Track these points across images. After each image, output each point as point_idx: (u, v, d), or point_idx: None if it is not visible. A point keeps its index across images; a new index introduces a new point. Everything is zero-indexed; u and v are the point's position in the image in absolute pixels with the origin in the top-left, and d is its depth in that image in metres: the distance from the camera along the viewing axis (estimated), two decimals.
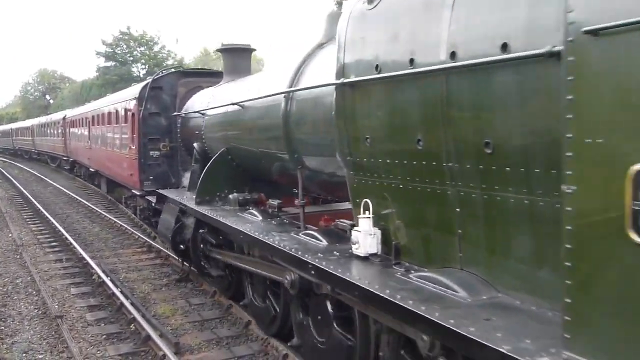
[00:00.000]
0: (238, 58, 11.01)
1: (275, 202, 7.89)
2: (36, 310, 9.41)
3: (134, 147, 14.37)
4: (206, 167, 9.30)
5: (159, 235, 11.81)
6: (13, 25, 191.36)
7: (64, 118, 31.66)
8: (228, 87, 10.13)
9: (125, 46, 66.43)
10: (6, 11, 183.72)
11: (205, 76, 13.84)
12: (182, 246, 9.97)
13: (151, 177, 13.71)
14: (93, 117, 22.35)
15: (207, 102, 10.31)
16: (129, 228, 16.03)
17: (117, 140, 17.26)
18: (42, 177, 32.70)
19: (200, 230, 9.26)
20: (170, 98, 13.51)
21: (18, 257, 13.24)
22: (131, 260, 12.76)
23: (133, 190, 15.43)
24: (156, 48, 67.73)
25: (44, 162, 43.61)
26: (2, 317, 9.04)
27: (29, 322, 8.88)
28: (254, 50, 11.40)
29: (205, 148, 10.33)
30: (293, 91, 6.82)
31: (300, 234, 6.36)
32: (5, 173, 36.09)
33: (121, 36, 66.04)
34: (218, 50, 10.79)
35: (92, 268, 11.43)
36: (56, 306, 9.45)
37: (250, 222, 7.46)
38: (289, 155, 6.97)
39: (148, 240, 14.32)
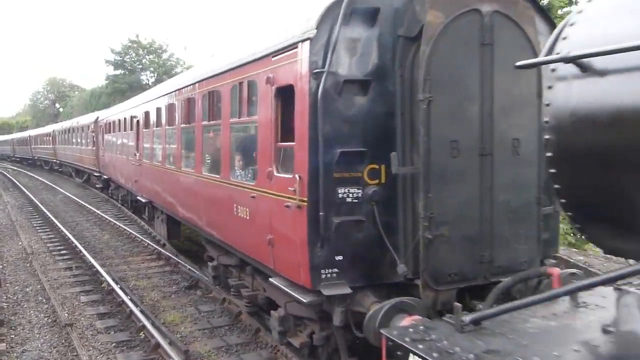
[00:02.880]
0: None
1: None
2: (46, 319, 9.42)
3: (291, 176, 6.17)
4: None
5: None
6: (23, 34, 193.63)
7: (95, 121, 26.11)
8: None
9: (134, 54, 66.84)
10: (16, 21, 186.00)
11: None
12: None
13: (339, 257, 5.89)
14: (146, 114, 14.89)
15: None
16: (139, 235, 16.05)
17: (217, 154, 8.99)
18: (52, 185, 32.86)
19: None
20: (397, 44, 5.97)
21: (28, 265, 13.27)
22: (141, 268, 12.77)
23: (289, 290, 6.36)
24: (165, 56, 68.11)
25: (67, 174, 38.25)
26: (13, 326, 9.06)
27: (39, 331, 8.88)
28: None
29: None
30: None
31: None
32: (15, 181, 36.31)
33: (130, 44, 66.46)
34: None
35: (102, 276, 11.44)
36: (66, 314, 9.46)
37: None
38: None
39: (157, 247, 14.33)
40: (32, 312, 9.80)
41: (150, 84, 60.90)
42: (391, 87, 5.96)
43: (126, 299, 9.81)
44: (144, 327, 8.49)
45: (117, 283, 10.90)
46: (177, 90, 11.60)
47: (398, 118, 5.96)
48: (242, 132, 8.47)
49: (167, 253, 13.50)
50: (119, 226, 17.86)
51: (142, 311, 9.22)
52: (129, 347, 8.16)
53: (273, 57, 6.69)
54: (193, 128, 10.31)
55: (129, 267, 12.83)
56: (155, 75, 64.99)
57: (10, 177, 40.87)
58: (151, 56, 67.31)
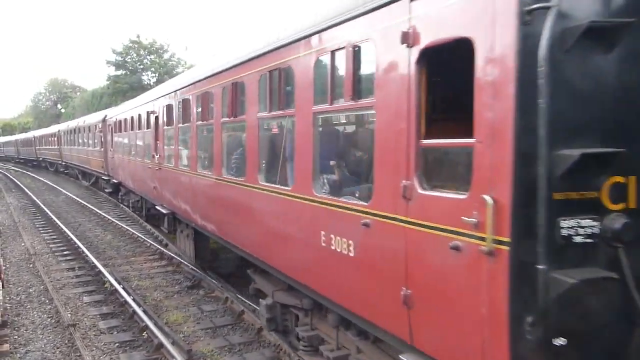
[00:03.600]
0: None
1: None
2: (49, 319, 9.43)
3: (464, 196, 3.76)
4: None
5: None
6: (24, 35, 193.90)
7: (103, 120, 24.44)
8: None
9: (135, 54, 66.90)
10: (17, 21, 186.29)
11: None
12: None
13: (562, 341, 3.26)
14: (168, 108, 12.50)
15: None
16: (141, 236, 16.07)
17: (285, 157, 6.71)
18: (54, 185, 32.92)
19: None
20: None
21: (31, 266, 13.29)
22: (143, 268, 12.78)
23: None
24: (166, 56, 68.17)
25: (74, 177, 36.61)
26: (16, 326, 9.07)
27: (42, 331, 8.89)
28: None
29: None
30: None
31: None
32: (18, 182, 36.37)
33: (131, 44, 66.51)
34: None
35: (105, 276, 11.46)
36: (69, 315, 9.47)
37: None
38: None
39: (160, 247, 14.35)
40: (35, 312, 9.81)
41: (151, 84, 60.96)
42: None
43: (129, 299, 9.82)
44: (146, 327, 8.50)
45: (119, 283, 10.91)
46: (214, 75, 8.92)
47: None
48: (338, 125, 6.22)
49: (169, 253, 13.51)
50: (121, 226, 17.89)
51: (144, 311, 9.23)
52: (132, 347, 8.17)
53: None
54: (242, 123, 7.84)
55: (132, 267, 12.84)
56: (157, 75, 65.06)
57: (13, 178, 40.93)
58: (152, 56, 67.38)
